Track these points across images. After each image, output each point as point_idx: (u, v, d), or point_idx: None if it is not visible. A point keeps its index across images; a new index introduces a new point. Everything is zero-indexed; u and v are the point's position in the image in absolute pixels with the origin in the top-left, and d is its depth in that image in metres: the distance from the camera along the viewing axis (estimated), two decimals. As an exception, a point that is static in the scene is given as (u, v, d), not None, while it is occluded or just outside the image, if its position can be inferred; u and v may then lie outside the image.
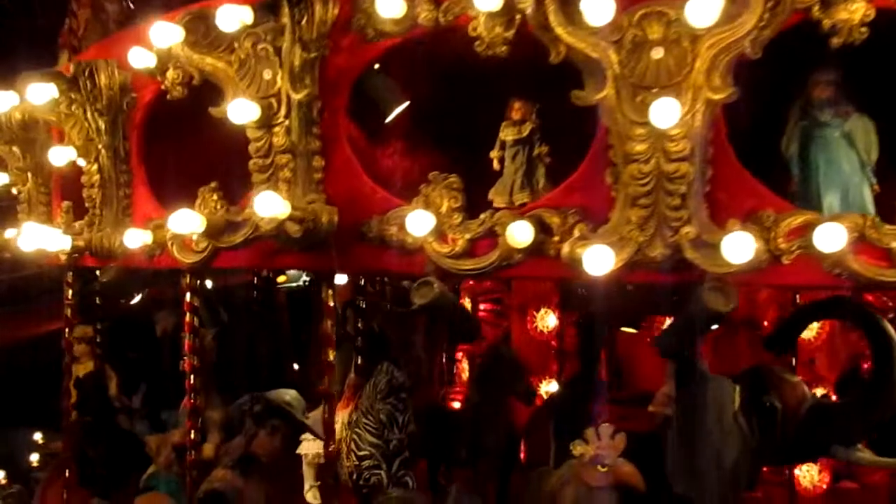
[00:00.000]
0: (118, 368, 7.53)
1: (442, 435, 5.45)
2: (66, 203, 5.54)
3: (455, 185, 3.66)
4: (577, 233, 3.31)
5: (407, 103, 3.99)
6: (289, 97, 3.72)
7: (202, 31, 3.84)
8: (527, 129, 4.22)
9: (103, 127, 4.64)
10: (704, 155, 3.22)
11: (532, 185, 4.20)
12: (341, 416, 5.46)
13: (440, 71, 4.20)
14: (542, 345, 6.57)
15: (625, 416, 6.24)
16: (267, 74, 3.78)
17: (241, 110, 3.67)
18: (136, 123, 4.75)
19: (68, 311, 6.18)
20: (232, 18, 3.49)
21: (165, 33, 3.74)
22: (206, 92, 4.43)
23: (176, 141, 5.01)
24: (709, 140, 3.22)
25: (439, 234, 3.58)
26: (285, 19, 3.56)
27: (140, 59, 4.35)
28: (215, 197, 4.25)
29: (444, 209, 3.60)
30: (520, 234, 3.35)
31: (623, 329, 6.61)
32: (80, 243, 4.69)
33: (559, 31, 3.11)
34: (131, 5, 6.82)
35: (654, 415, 6.60)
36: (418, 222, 3.49)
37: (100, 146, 4.69)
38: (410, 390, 5.76)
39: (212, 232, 3.89)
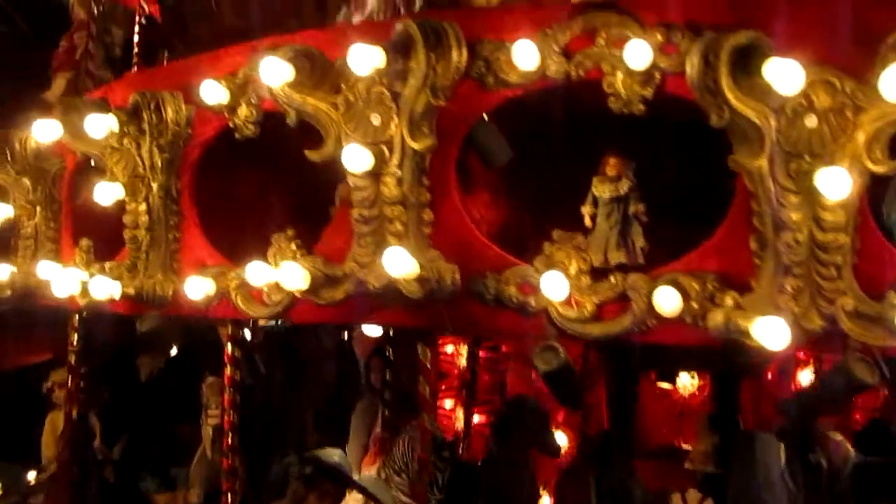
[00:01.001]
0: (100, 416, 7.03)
1: (461, 489, 5.25)
2: (84, 241, 5.11)
3: (582, 245, 3.49)
4: (728, 301, 3.18)
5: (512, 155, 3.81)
6: (403, 145, 3.48)
7: (307, 70, 3.57)
8: (624, 187, 4.08)
9: (160, 164, 4.28)
10: (855, 225, 3.16)
11: (627, 244, 4.07)
12: (368, 473, 5.22)
13: (533, 121, 4.05)
14: (544, 394, 6.45)
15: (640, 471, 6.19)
16: (376, 119, 3.54)
17: (354, 157, 3.41)
18: (192, 161, 4.41)
19: (72, 358, 5.69)
20: (365, 61, 3.25)
21: (275, 71, 3.45)
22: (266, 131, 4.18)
23: (230, 180, 4.69)
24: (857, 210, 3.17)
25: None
26: (415, 63, 3.33)
27: (212, 93, 4.04)
28: (293, 246, 3.95)
29: (572, 270, 3.43)
30: (667, 302, 3.21)
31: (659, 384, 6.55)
32: (130, 291, 4.27)
33: (730, 95, 3.01)
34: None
35: (671, 469, 6.57)
36: (552, 285, 3.30)
37: (153, 184, 4.31)
38: (452, 448, 5.53)
39: (313, 288, 3.58)
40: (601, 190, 4.16)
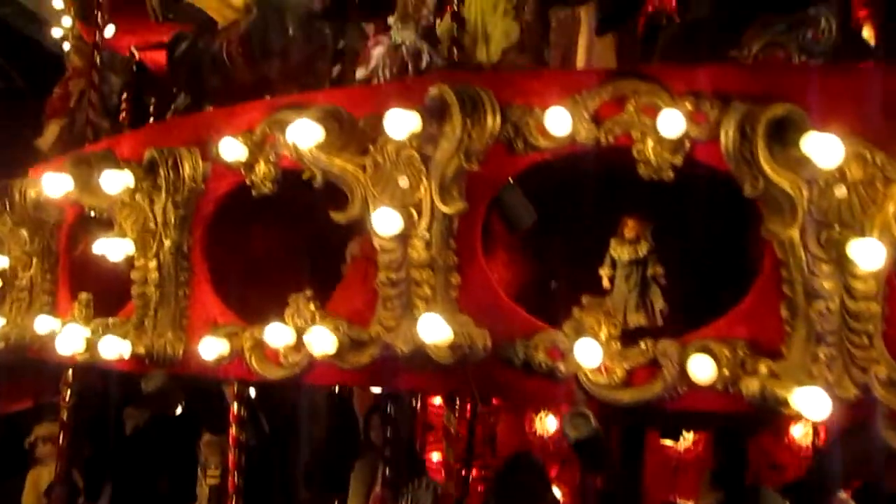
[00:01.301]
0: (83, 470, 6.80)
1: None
2: (84, 295, 4.98)
3: (613, 310, 3.48)
4: (763, 369, 3.18)
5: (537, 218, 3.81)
6: (433, 208, 3.46)
7: (335, 130, 3.54)
8: (643, 250, 4.10)
9: (173, 220, 4.20)
10: (886, 293, 3.19)
11: (647, 306, 4.07)
12: (368, 533, 5.09)
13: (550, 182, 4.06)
14: (539, 449, 6.39)
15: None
16: (403, 182, 3.52)
17: (384, 220, 3.38)
18: (204, 216, 4.33)
19: (65, 415, 5.51)
20: (401, 126, 3.23)
21: (305, 132, 3.42)
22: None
23: (240, 235, 4.62)
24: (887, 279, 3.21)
25: (595, 362, 3.37)
26: (449, 128, 3.32)
27: (231, 151, 4.00)
28: (312, 307, 3.88)
29: (602, 336, 3.40)
30: (701, 369, 3.19)
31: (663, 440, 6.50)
32: (140, 350, 4.15)
33: (766, 166, 3.04)
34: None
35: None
36: (585, 352, 3.27)
37: (165, 240, 4.22)
38: (460, 504, 5.43)
39: (339, 352, 3.51)
40: (620, 252, 4.18)
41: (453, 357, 3.30)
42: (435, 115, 3.32)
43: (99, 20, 5.97)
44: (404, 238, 3.50)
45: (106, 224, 5.09)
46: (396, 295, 3.54)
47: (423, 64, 5.54)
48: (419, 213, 3.48)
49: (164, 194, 4.12)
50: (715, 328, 3.43)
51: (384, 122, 3.31)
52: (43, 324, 4.93)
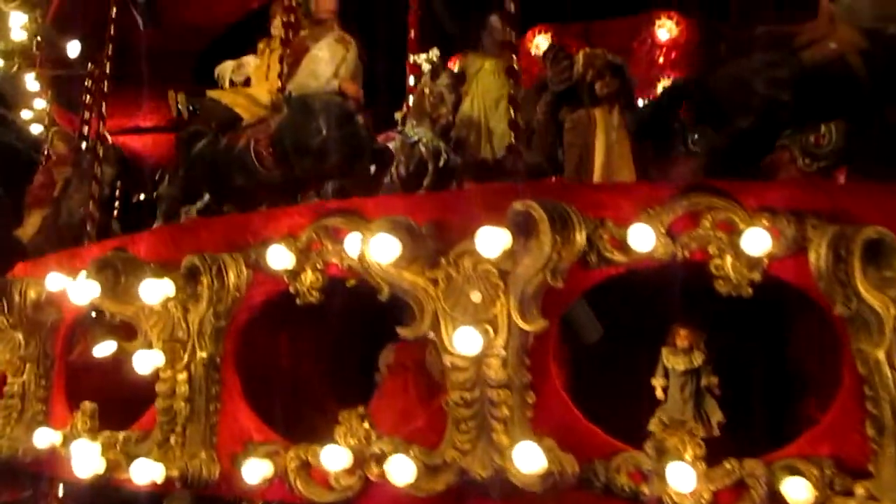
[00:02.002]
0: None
1: None
2: (88, 405, 4.63)
3: (696, 431, 3.39)
4: (860, 491, 3.11)
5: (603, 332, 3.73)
6: (510, 325, 3.34)
7: (409, 245, 3.41)
8: (698, 360, 4.06)
9: (210, 331, 3.95)
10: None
11: (703, 417, 4.00)
12: None
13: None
14: None
15: None
16: (475, 297, 3.39)
17: (465, 340, 3.24)
18: (238, 326, 4.10)
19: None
20: (494, 245, 3.13)
21: (385, 248, 3.28)
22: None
23: (270, 344, 4.39)
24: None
25: (681, 484, 3.25)
26: (537, 245, 3.23)
27: (279, 258, 3.81)
28: (366, 425, 3.66)
29: (688, 457, 3.29)
30: (797, 492, 3.11)
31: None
32: (174, 472, 3.82)
33: (861, 287, 3.05)
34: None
35: None
36: (679, 476, 3.15)
37: (199, 352, 3.96)
38: None
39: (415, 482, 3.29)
40: (674, 362, 4.13)
41: (542, 484, 3.14)
42: (522, 232, 3.23)
43: (99, 108, 5.72)
44: (479, 356, 3.35)
45: (110, 326, 4.81)
46: (471, 416, 3.36)
47: (442, 162, 5.53)
48: (495, 330, 3.35)
49: (204, 304, 3.88)
50: (798, 446, 3.37)
51: (475, 240, 3.19)
52: (42, 437, 4.54)
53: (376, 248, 3.31)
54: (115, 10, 5.80)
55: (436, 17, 6.47)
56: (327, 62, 4.51)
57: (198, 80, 8.52)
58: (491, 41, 6.14)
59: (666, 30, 8.09)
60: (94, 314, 5.00)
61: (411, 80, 6.20)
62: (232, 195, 4.79)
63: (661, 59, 8.10)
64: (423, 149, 5.46)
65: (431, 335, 3.45)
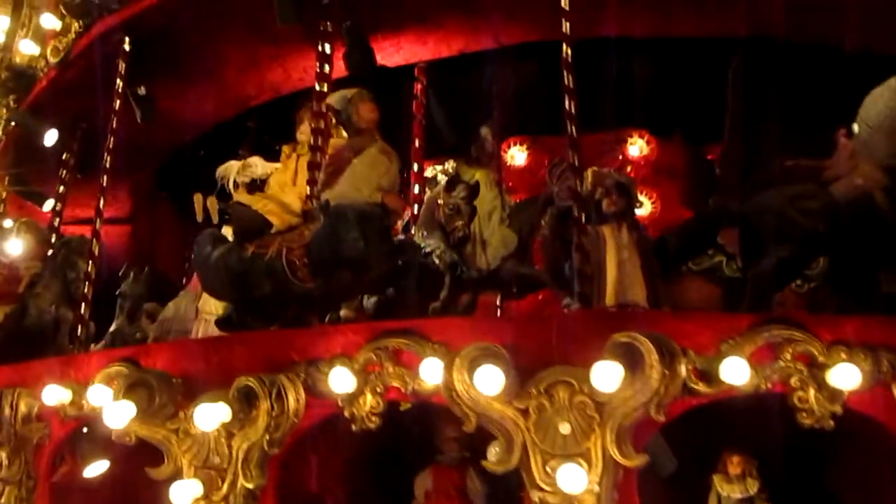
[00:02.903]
0: None
1: None
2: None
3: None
4: None
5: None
6: (605, 459, 3.22)
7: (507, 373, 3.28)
8: (754, 487, 4.06)
9: (256, 459, 3.63)
10: None
11: (760, 544, 3.97)
12: None
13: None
14: None
15: None
16: (565, 429, 3.28)
17: (571, 478, 3.09)
18: (283, 453, 3.80)
19: None
20: (611, 379, 3.04)
21: (491, 380, 3.13)
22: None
23: (305, 470, 4.09)
24: None
25: None
26: (642, 377, 3.17)
27: (341, 382, 3.59)
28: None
29: None
30: None
31: None
32: None
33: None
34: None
35: None
36: None
37: (246, 483, 3.62)
38: None
39: None
40: (728, 489, 4.12)
41: None
42: (628, 363, 3.16)
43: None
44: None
45: (102, 444, 4.41)
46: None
47: (458, 273, 5.44)
48: (589, 465, 3.23)
49: (260, 430, 3.58)
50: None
51: (592, 375, 3.09)
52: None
53: (482, 380, 3.15)
54: (118, 102, 5.53)
55: (435, 127, 6.50)
56: (371, 174, 4.41)
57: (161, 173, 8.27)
58: (481, 152, 6.20)
59: (637, 147, 8.40)
60: (85, 430, 4.59)
61: (416, 189, 6.16)
62: (257, 306, 4.52)
63: (631, 175, 8.38)
64: (436, 260, 5.36)
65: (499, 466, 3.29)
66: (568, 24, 4.47)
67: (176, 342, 4.96)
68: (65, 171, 6.66)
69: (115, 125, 5.59)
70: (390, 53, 5.64)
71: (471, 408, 3.32)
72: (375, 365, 3.70)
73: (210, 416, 3.47)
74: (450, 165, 5.45)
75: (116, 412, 3.58)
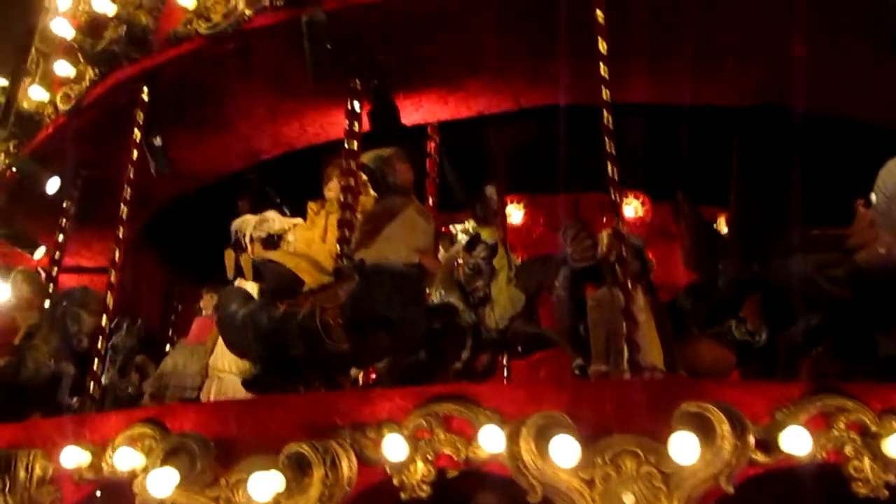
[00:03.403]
0: None
1: None
2: None
3: None
4: None
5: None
6: (671, 524, 3.20)
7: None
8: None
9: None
10: None
11: None
12: None
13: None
14: None
15: None
16: (629, 499, 3.25)
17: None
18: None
19: None
20: (687, 450, 3.03)
21: (566, 451, 3.09)
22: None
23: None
24: None
25: None
26: (713, 448, 3.17)
27: (395, 450, 3.51)
28: None
29: None
30: None
31: None
32: None
33: None
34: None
35: None
36: None
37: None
38: None
39: None
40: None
41: None
42: (699, 434, 3.16)
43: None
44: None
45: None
46: None
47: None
48: (658, 529, 3.20)
49: (312, 498, 3.46)
50: None
51: (670, 446, 3.08)
52: None
53: (557, 451, 3.11)
54: (134, 152, 5.45)
55: (447, 185, 6.54)
56: (409, 235, 4.38)
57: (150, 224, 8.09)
58: (486, 211, 6.22)
59: (633, 208, 8.54)
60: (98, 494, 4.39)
61: (431, 246, 6.15)
62: (288, 367, 4.41)
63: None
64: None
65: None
66: (608, 91, 4.54)
67: (207, 404, 4.78)
68: (64, 220, 6.48)
69: (131, 175, 5.46)
70: (409, 112, 5.67)
71: (537, 478, 3.27)
72: (426, 431, 3.64)
73: (264, 485, 3.34)
74: (470, 224, 5.45)
75: (159, 480, 3.42)
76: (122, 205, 5.31)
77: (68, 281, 8.18)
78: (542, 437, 3.23)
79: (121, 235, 5.31)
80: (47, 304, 6.22)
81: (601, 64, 4.57)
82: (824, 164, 5.80)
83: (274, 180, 7.36)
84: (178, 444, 3.66)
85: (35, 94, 6.12)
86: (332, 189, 4.97)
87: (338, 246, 4.73)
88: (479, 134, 6.72)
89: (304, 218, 5.77)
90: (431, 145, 6.34)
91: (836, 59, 4.93)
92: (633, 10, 4.87)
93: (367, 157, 4.76)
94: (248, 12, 5.13)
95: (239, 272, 4.56)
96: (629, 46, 5.02)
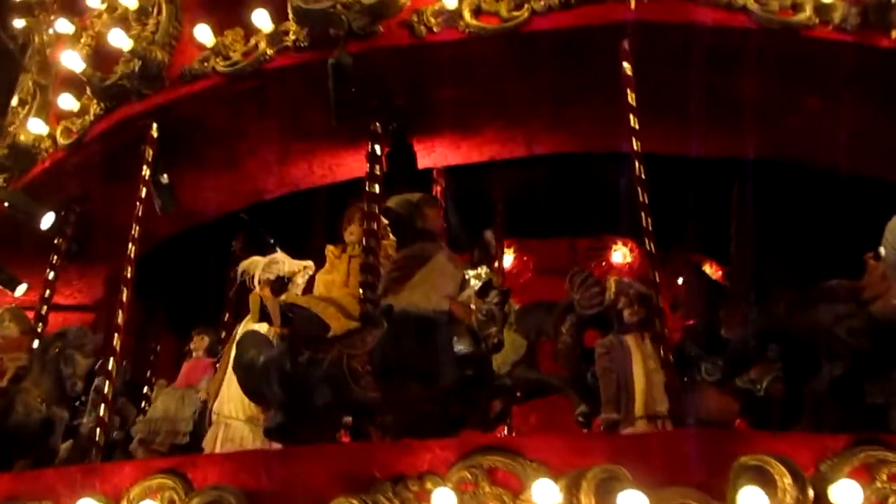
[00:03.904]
0: None
1: None
2: None
3: None
4: None
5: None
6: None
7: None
8: None
9: None
10: None
11: None
12: None
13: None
14: None
15: None
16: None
17: None
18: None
19: None
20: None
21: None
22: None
23: None
24: None
25: None
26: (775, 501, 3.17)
27: (444, 503, 3.42)
28: None
29: None
30: None
31: None
32: None
33: None
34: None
35: None
36: None
37: None
38: None
39: None
40: None
41: None
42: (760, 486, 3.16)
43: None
44: None
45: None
46: None
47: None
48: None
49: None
50: None
51: (738, 501, 3.06)
52: None
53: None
54: (143, 189, 5.30)
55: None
56: (440, 281, 4.35)
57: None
58: (484, 255, 6.22)
59: (620, 254, 8.66)
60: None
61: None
62: (313, 415, 4.28)
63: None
64: (469, 365, 5.29)
65: None
66: (638, 142, 4.60)
67: (230, 454, 4.58)
68: (56, 257, 6.25)
69: (139, 213, 5.31)
70: (421, 156, 5.65)
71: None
72: (470, 484, 3.56)
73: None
74: (483, 271, 5.42)
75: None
76: (131, 245, 5.13)
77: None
78: (603, 492, 3.19)
79: (129, 275, 5.11)
80: (35, 343, 5.96)
81: (630, 115, 4.64)
82: (830, 217, 5.97)
83: (265, 221, 7.27)
84: (214, 497, 3.50)
85: (34, 126, 5.92)
86: (353, 233, 4.89)
87: (361, 290, 4.64)
88: (480, 178, 6.76)
89: (306, 259, 5.69)
90: (437, 189, 6.32)
91: (846, 113, 5.07)
92: (650, 64, 4.96)
93: (394, 202, 4.73)
94: (269, 52, 5.08)
95: (264, 316, 4.43)
96: (644, 99, 5.11)
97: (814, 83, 5.09)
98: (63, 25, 6.16)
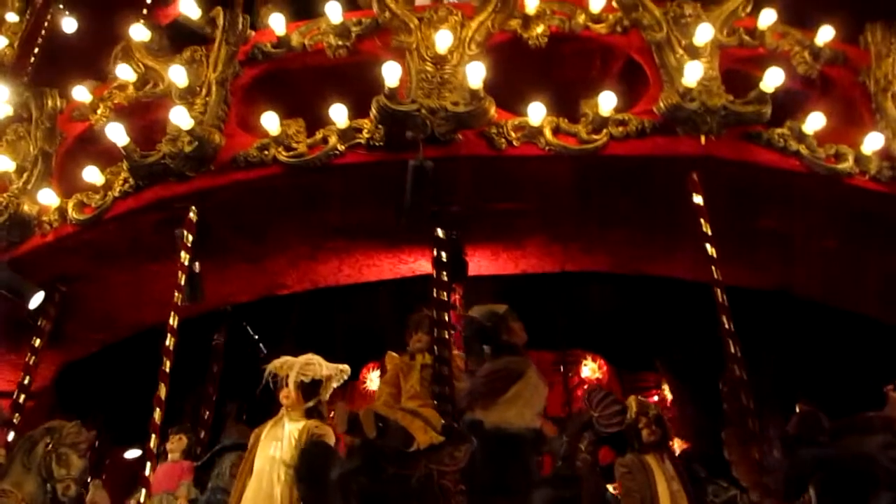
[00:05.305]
0: None
1: None
2: None
3: None
4: None
5: None
6: None
7: None
8: None
9: None
10: None
11: None
12: None
13: None
14: None
15: None
16: None
17: None
18: None
19: None
20: None
21: None
22: None
23: None
24: None
25: None
26: None
27: None
28: None
29: None
30: None
31: None
32: None
33: None
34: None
35: None
36: None
37: None
38: None
39: None
40: None
41: None
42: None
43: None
44: None
45: None
46: None
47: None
48: None
49: None
50: None
51: None
52: None
53: None
54: (182, 276, 4.88)
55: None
56: (534, 398, 4.25)
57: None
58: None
59: (589, 368, 8.82)
60: None
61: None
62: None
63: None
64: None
65: None
66: (718, 271, 4.75)
67: None
68: (38, 340, 5.57)
69: (179, 302, 4.87)
70: (457, 264, 5.58)
71: None
72: None
73: None
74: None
75: None
76: (168, 334, 4.67)
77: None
78: None
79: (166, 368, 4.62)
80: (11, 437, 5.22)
81: (707, 244, 4.80)
82: (828, 350, 6.33)
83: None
84: None
85: (44, 197, 5.35)
86: (420, 340, 4.69)
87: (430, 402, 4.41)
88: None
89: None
90: (455, 297, 6.23)
91: (871, 260, 5.50)
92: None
93: (478, 312, 4.61)
94: (340, 147, 4.92)
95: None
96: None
97: (841, 226, 5.48)
98: (80, 93, 5.72)
